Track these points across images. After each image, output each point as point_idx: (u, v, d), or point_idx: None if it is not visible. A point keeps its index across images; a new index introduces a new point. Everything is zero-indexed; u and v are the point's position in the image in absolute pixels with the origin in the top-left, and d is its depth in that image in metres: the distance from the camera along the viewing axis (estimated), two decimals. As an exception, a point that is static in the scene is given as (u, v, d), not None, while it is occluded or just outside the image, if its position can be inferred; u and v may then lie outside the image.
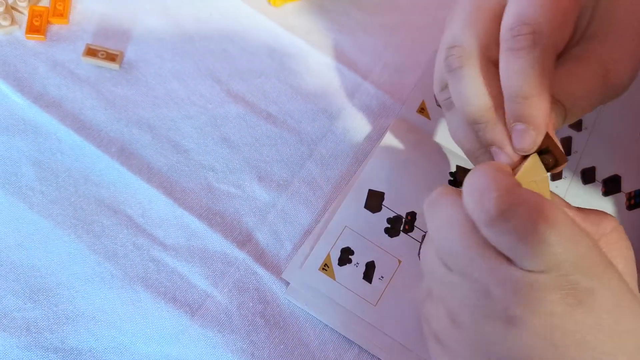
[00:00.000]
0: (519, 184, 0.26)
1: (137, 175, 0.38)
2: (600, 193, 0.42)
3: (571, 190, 0.42)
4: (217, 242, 0.37)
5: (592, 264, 0.25)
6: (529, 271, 0.25)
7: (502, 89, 0.29)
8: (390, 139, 0.41)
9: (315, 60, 0.44)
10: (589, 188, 0.42)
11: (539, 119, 0.28)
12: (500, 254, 0.26)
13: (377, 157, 0.40)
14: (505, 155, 0.30)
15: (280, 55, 0.44)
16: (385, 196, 0.39)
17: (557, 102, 0.30)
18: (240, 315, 0.36)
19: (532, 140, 0.29)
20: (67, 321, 0.35)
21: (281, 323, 0.36)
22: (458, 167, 0.41)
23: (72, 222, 0.37)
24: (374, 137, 0.42)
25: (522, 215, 0.25)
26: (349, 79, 0.44)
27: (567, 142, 0.43)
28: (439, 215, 0.28)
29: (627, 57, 0.31)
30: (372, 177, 0.40)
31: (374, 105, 0.43)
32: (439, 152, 0.42)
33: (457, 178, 0.41)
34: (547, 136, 0.29)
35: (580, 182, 0.42)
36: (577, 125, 0.44)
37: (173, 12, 0.44)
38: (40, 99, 0.40)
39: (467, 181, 0.27)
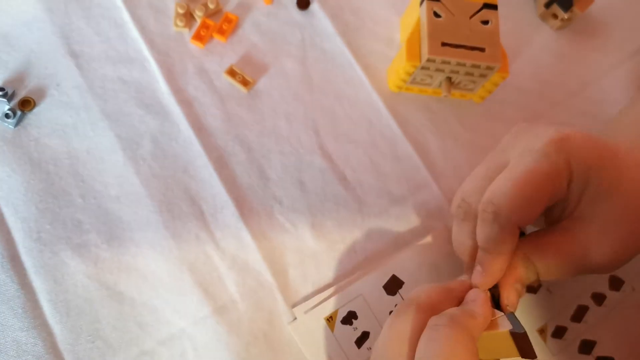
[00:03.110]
0: (425, 307, 0.35)
1: (222, 183, 0.47)
2: (589, 366, 0.46)
3: (562, 355, 0.46)
4: (257, 261, 0.45)
5: None
6: None
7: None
8: (430, 241, 0.47)
9: (402, 148, 0.51)
10: (580, 358, 0.46)
11: (491, 268, 0.37)
12: None
13: (412, 251, 0.47)
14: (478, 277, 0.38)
15: (376, 133, 0.51)
16: (403, 285, 0.45)
17: (530, 262, 0.37)
18: (249, 326, 0.43)
19: (483, 280, 0.37)
20: (125, 270, 0.44)
21: (276, 346, 0.43)
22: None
23: (160, 198, 0.46)
24: (419, 233, 0.48)
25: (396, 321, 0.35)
26: (422, 175, 0.50)
27: (581, 311, 0.47)
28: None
29: (610, 243, 0.36)
30: (400, 265, 0.46)
31: (432, 205, 0.49)
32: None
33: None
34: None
35: (576, 349, 0.46)
36: (599, 299, 0.48)
37: (308, 64, 0.52)
38: (179, 93, 0.49)
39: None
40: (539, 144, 0.36)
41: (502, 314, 0.37)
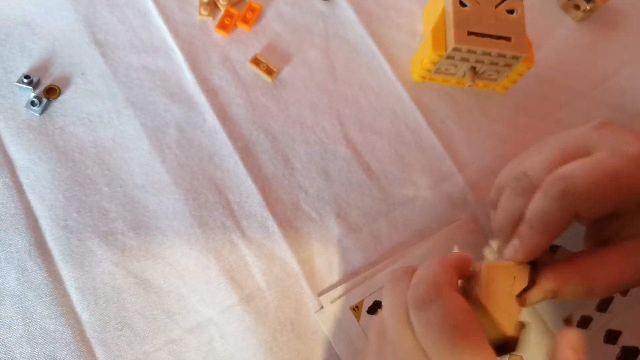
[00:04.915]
0: (451, 287, 0.32)
1: (247, 172, 0.47)
2: (615, 357, 0.46)
3: (588, 345, 0.46)
4: (283, 250, 0.45)
5: None
6: None
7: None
8: (454, 231, 0.47)
9: (426, 138, 0.50)
10: (606, 347, 0.46)
11: (529, 245, 0.35)
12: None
13: (433, 243, 0.46)
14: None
15: (400, 124, 0.51)
16: (428, 276, 0.45)
17: (586, 281, 0.35)
18: (276, 315, 0.43)
19: (515, 255, 0.35)
20: (152, 258, 0.44)
21: (303, 335, 0.43)
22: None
23: (186, 187, 0.46)
24: (444, 223, 0.48)
25: (435, 312, 0.31)
26: (447, 165, 0.50)
27: (606, 300, 0.47)
28: (391, 290, 0.35)
29: None
30: (423, 257, 0.46)
31: (457, 195, 0.49)
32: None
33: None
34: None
35: (601, 339, 0.46)
36: (624, 291, 0.47)
37: (332, 54, 0.52)
38: (204, 82, 0.49)
39: (420, 266, 0.34)
40: (633, 150, 0.34)
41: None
